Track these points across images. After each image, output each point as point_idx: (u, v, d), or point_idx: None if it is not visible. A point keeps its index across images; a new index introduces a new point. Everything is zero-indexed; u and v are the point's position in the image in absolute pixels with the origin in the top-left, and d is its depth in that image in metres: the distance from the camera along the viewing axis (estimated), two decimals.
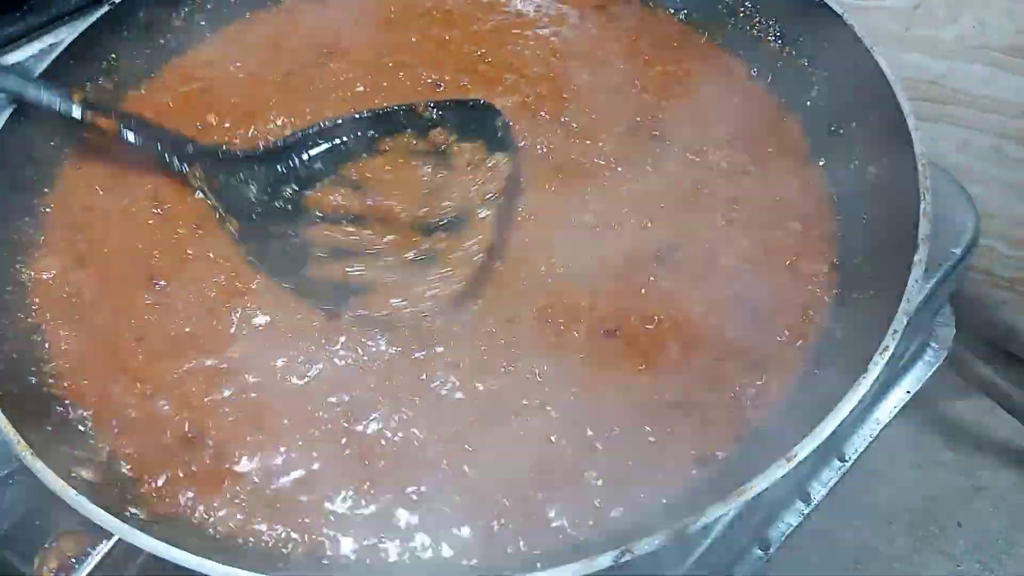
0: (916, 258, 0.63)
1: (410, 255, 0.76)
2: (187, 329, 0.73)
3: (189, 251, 0.78)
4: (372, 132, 0.84)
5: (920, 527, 1.17)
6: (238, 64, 0.93)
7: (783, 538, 0.93)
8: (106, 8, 0.86)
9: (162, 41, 0.93)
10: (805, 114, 0.85)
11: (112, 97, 0.89)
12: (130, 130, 0.78)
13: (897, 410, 1.04)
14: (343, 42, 0.95)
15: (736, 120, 0.85)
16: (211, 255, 0.77)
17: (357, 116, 0.84)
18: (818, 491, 0.97)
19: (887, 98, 0.74)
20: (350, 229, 0.79)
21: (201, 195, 0.80)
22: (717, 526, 0.72)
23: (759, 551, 0.91)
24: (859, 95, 0.79)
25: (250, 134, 0.86)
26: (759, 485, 0.53)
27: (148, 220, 0.80)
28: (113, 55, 0.88)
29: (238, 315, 0.73)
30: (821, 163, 0.81)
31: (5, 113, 0.78)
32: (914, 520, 1.17)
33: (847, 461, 0.99)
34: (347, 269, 0.75)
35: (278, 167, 0.82)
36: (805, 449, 0.55)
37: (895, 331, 0.60)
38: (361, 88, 0.90)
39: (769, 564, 0.93)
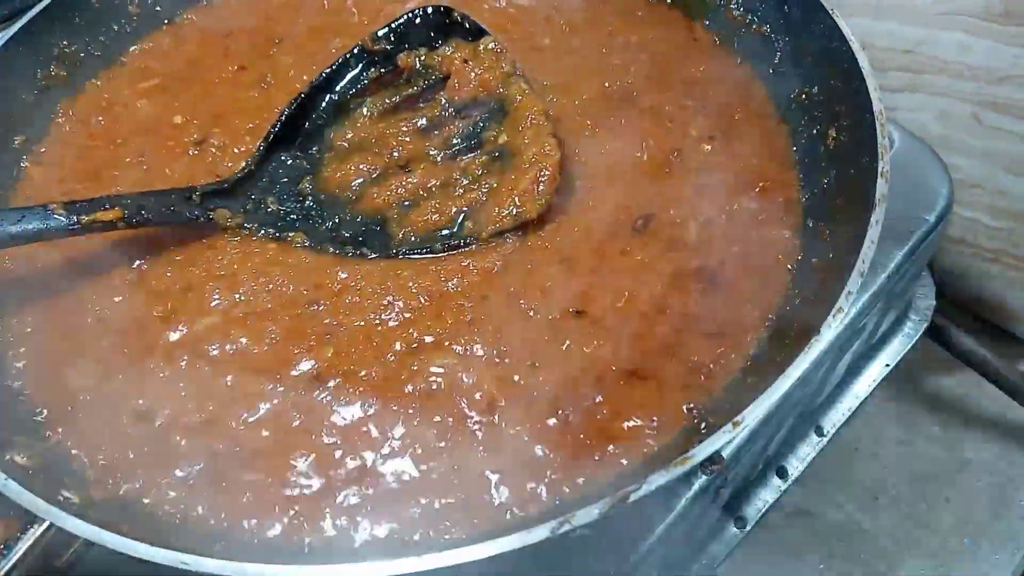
0: (873, 219, 0.62)
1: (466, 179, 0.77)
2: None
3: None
4: (342, 92, 0.83)
5: (906, 503, 1.14)
6: (195, 55, 0.91)
7: (759, 515, 0.91)
8: None
9: (115, 28, 0.91)
10: (770, 81, 0.83)
11: (67, 85, 0.88)
12: (134, 215, 0.72)
13: (876, 383, 1.03)
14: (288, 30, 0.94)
15: (702, 88, 0.84)
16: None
17: (315, 83, 0.82)
18: (795, 467, 0.95)
19: (847, 60, 0.73)
20: (393, 183, 0.78)
21: (236, 231, 0.77)
22: (680, 501, 0.70)
23: (735, 528, 0.90)
24: (821, 60, 0.77)
25: (217, 142, 0.84)
26: (703, 451, 0.52)
27: None
28: (64, 42, 0.87)
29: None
30: (785, 129, 0.80)
31: None
32: (900, 496, 1.15)
33: (825, 436, 0.98)
34: (423, 218, 0.75)
35: (278, 168, 0.81)
36: (752, 414, 0.53)
37: (849, 292, 0.58)
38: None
39: (749, 542, 0.92)
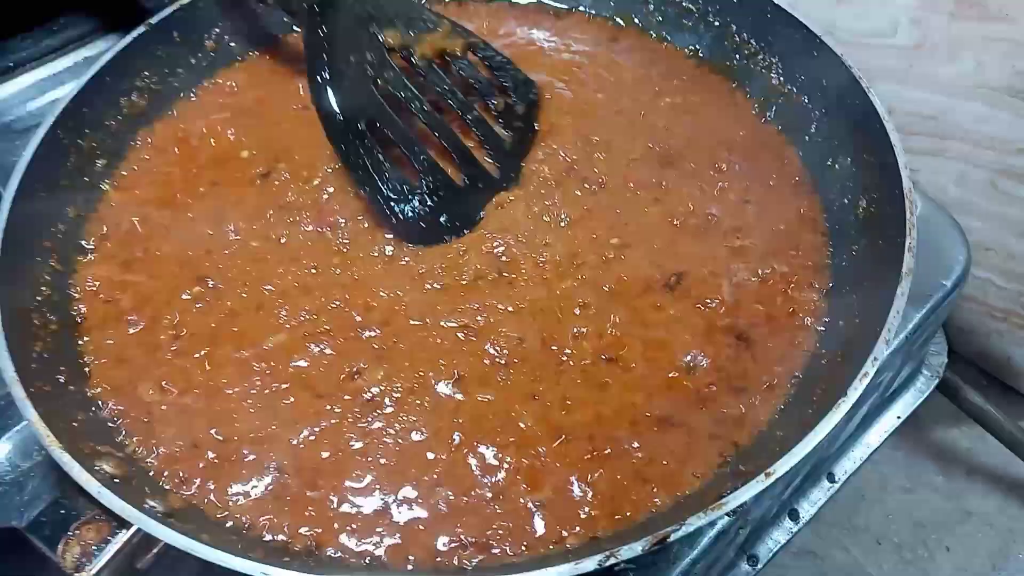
0: (899, 290, 0.67)
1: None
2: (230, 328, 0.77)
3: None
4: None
5: (909, 550, 1.19)
6: (264, 92, 0.97)
7: (771, 555, 0.96)
8: (143, 28, 0.91)
9: (192, 62, 0.97)
10: (804, 148, 0.89)
11: (146, 115, 0.94)
12: None
13: (888, 435, 1.08)
14: None
15: (741, 151, 0.89)
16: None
17: None
18: (807, 510, 1.00)
19: (880, 136, 0.78)
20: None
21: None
22: (703, 539, 0.75)
23: (747, 566, 0.95)
24: (855, 133, 0.82)
25: (281, 176, 0.90)
26: (737, 499, 0.57)
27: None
28: (147, 73, 0.93)
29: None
30: (818, 197, 0.85)
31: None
32: (903, 543, 1.20)
33: (836, 482, 1.02)
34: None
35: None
36: (783, 467, 0.58)
37: (875, 359, 0.63)
38: None
39: None
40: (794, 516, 0.98)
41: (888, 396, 1.05)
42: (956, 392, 1.22)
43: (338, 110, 0.81)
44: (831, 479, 1.01)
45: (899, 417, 1.06)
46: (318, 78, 0.82)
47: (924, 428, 1.29)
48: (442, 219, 0.83)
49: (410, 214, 0.82)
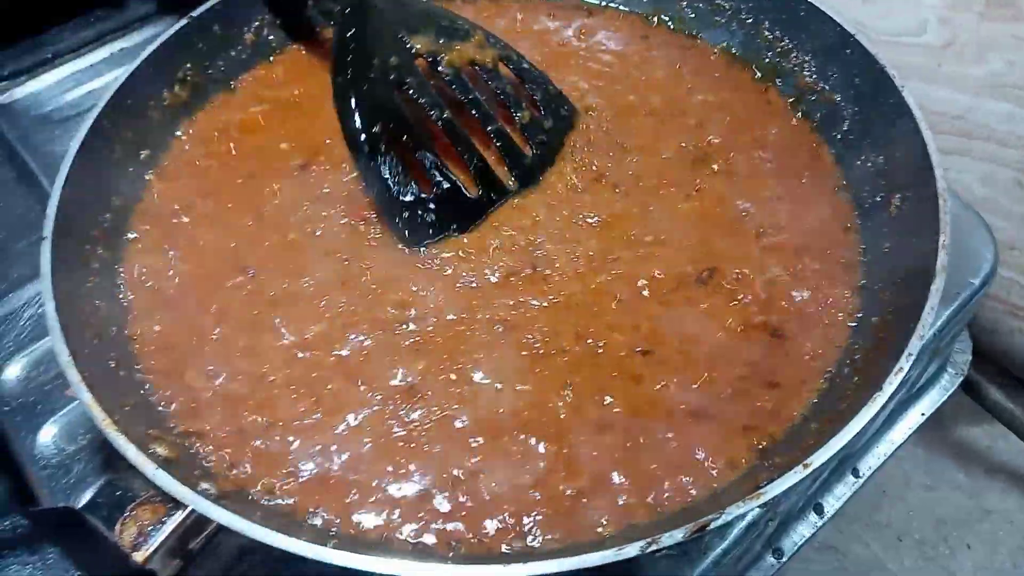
0: (933, 288, 0.68)
1: None
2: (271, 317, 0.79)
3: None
4: None
5: (929, 546, 1.20)
6: (302, 85, 0.99)
7: (796, 548, 0.98)
8: (185, 21, 0.93)
9: (232, 55, 0.99)
10: (837, 145, 0.90)
11: (187, 106, 0.95)
12: None
13: (912, 431, 1.09)
14: None
15: (773, 149, 0.90)
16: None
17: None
18: (832, 505, 1.01)
19: (914, 135, 0.79)
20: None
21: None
22: (733, 530, 0.77)
23: (773, 559, 0.96)
24: (888, 132, 0.83)
25: (319, 168, 0.91)
26: (775, 489, 0.58)
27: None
28: (188, 66, 0.94)
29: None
30: (850, 194, 0.86)
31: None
32: (924, 539, 1.21)
33: (861, 477, 1.04)
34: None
35: None
36: (819, 458, 0.60)
37: (909, 354, 0.64)
38: None
39: (782, 572, 0.98)
40: (819, 510, 0.99)
41: (913, 393, 1.06)
42: (978, 390, 1.23)
43: (356, 111, 0.82)
44: (856, 474, 1.02)
45: (923, 414, 1.07)
46: (340, 78, 0.84)
47: (945, 426, 1.30)
48: (450, 227, 0.84)
49: (416, 220, 0.83)
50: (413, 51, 0.89)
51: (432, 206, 0.83)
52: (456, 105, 0.89)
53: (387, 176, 0.82)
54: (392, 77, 0.86)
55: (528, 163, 0.89)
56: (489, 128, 0.89)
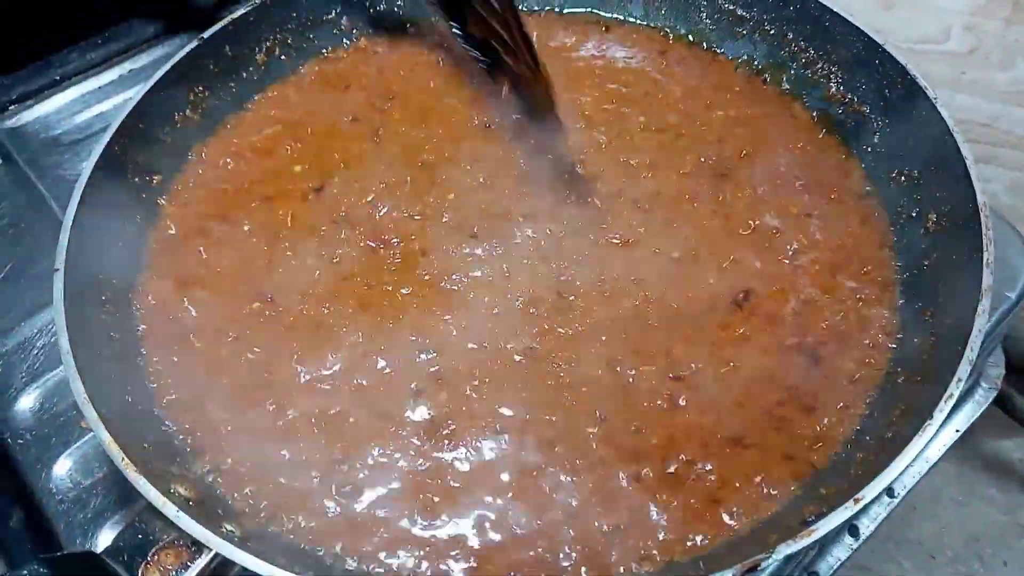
0: (980, 308, 0.65)
1: None
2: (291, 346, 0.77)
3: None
4: None
5: (963, 564, 1.17)
6: (314, 105, 0.97)
7: (832, 572, 0.95)
8: (196, 43, 0.91)
9: (244, 76, 0.97)
10: (867, 159, 0.87)
11: (200, 128, 0.93)
12: None
13: (946, 448, 1.06)
14: (402, 88, 0.99)
15: (800, 164, 0.87)
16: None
17: None
18: (867, 526, 0.98)
19: (949, 147, 0.77)
20: None
21: None
22: (773, 563, 0.74)
23: None
24: (921, 144, 0.81)
25: (334, 190, 0.89)
26: (825, 526, 0.56)
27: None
28: (200, 88, 0.92)
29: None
30: (883, 209, 0.84)
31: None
32: (957, 557, 1.18)
33: (896, 497, 1.01)
34: None
35: None
36: (871, 492, 0.57)
37: (959, 380, 0.62)
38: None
39: None
40: (854, 532, 0.96)
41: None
42: (1010, 402, 1.20)
43: None
44: (891, 494, 0.99)
45: (958, 431, 1.04)
46: None
47: (977, 440, 1.27)
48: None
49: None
50: None
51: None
52: None
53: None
54: None
55: None
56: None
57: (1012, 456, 1.27)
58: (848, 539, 0.97)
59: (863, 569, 1.14)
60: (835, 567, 0.95)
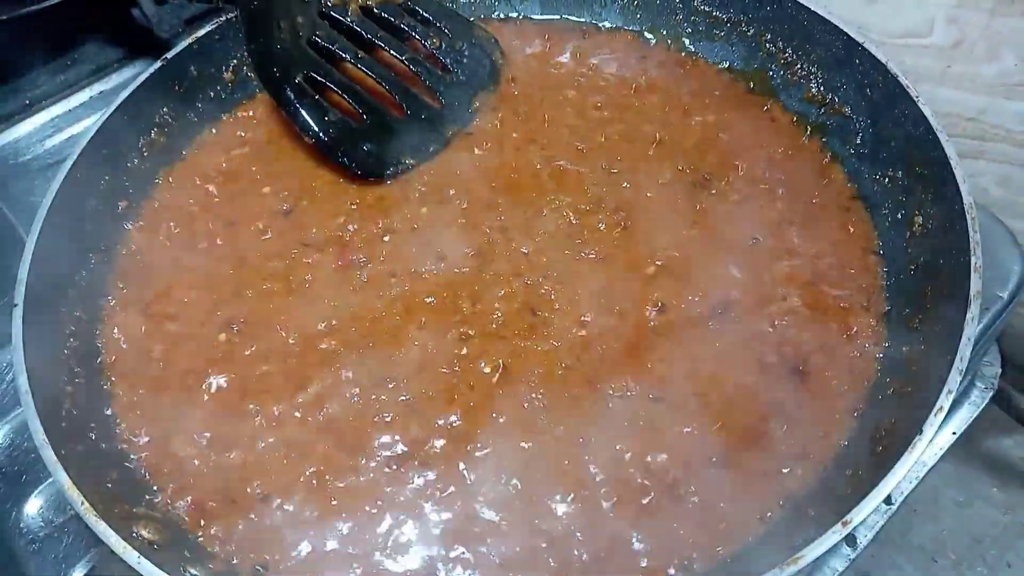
0: (969, 316, 0.63)
1: None
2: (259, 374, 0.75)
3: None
4: None
5: (967, 567, 1.15)
6: (281, 125, 0.94)
7: None
8: (159, 64, 0.88)
9: (211, 95, 0.95)
10: (850, 162, 0.85)
11: (166, 151, 0.91)
12: None
13: (943, 451, 1.03)
14: None
15: (781, 169, 0.85)
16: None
17: None
18: (864, 535, 0.96)
19: (933, 149, 0.74)
20: None
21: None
22: None
23: None
24: (904, 144, 0.79)
25: (303, 212, 0.87)
26: (813, 552, 0.53)
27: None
28: (165, 110, 0.90)
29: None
30: (867, 212, 0.81)
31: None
32: (960, 559, 1.15)
33: (893, 504, 0.98)
34: None
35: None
36: (860, 514, 0.55)
37: (949, 391, 0.60)
38: None
39: None
40: (851, 542, 0.94)
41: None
42: (1008, 400, 1.18)
43: (276, 70, 0.87)
44: (888, 501, 0.96)
45: (954, 433, 1.02)
46: (253, 45, 0.87)
47: (975, 439, 1.24)
48: (390, 152, 0.89)
49: (363, 154, 0.87)
50: (316, 8, 0.93)
51: (371, 136, 0.88)
52: (370, 46, 0.93)
53: (316, 118, 0.86)
54: (301, 33, 0.90)
55: (450, 81, 0.94)
56: (403, 58, 0.93)
57: (1012, 455, 1.24)
58: (846, 549, 0.94)
59: (864, 575, 1.11)
60: None
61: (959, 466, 1.24)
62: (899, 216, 0.78)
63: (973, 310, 0.63)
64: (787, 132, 0.89)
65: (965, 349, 0.61)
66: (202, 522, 0.66)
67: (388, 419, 0.71)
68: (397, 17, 0.95)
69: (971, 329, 0.62)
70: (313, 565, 0.64)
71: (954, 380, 0.60)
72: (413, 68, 0.93)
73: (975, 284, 0.65)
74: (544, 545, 0.63)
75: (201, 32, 0.92)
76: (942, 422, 1.01)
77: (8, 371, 0.88)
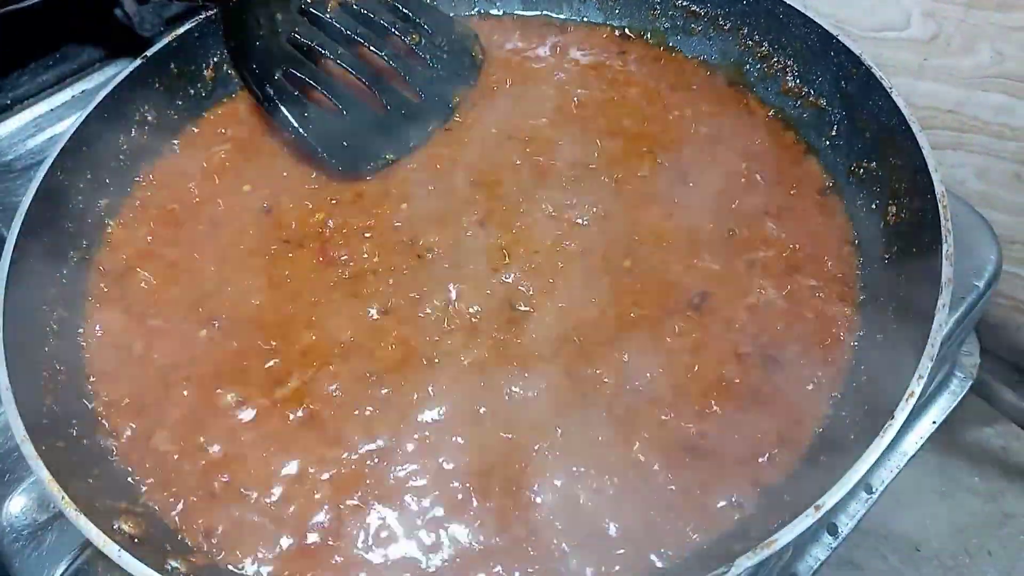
0: (940, 302, 0.64)
1: None
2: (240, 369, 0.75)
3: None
4: None
5: (949, 556, 1.16)
6: (262, 122, 0.95)
7: (812, 572, 0.93)
8: (139, 62, 0.88)
9: (192, 93, 0.95)
10: (825, 153, 0.86)
11: (147, 149, 0.91)
12: None
13: (923, 440, 1.04)
14: None
15: (759, 161, 0.86)
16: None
17: None
18: (845, 524, 0.97)
19: (906, 138, 0.75)
20: None
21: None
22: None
23: None
24: (878, 136, 0.80)
25: (283, 209, 0.87)
26: (787, 536, 0.54)
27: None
28: (146, 107, 0.90)
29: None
30: (842, 203, 0.82)
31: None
32: (943, 548, 1.16)
33: (874, 493, 0.99)
34: None
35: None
36: (832, 498, 0.55)
37: (920, 376, 0.60)
38: None
39: None
40: (833, 531, 0.95)
41: (923, 402, 1.02)
42: (988, 390, 1.19)
43: (255, 67, 0.88)
44: (868, 490, 0.98)
45: (934, 422, 1.03)
46: (233, 43, 0.89)
47: (956, 429, 1.25)
48: (371, 147, 0.89)
49: (336, 147, 0.87)
50: (296, 4, 0.93)
51: (351, 132, 0.88)
52: (350, 42, 0.94)
53: (296, 114, 0.87)
54: (279, 29, 0.91)
55: (435, 78, 0.95)
56: (383, 53, 0.93)
57: (993, 444, 1.26)
58: (827, 538, 0.95)
59: (848, 564, 1.12)
60: (815, 567, 0.94)
61: (941, 456, 1.25)
62: (874, 206, 0.79)
63: (944, 297, 0.64)
64: (764, 125, 0.90)
65: (936, 335, 0.62)
66: (184, 516, 0.66)
67: (368, 413, 0.71)
68: (377, 13, 0.95)
69: (942, 315, 0.63)
70: (294, 558, 0.64)
71: (924, 365, 0.61)
72: (393, 64, 0.93)
73: (946, 271, 0.66)
74: (523, 534, 0.64)
75: (181, 30, 0.92)
76: (922, 411, 1.04)
77: None
